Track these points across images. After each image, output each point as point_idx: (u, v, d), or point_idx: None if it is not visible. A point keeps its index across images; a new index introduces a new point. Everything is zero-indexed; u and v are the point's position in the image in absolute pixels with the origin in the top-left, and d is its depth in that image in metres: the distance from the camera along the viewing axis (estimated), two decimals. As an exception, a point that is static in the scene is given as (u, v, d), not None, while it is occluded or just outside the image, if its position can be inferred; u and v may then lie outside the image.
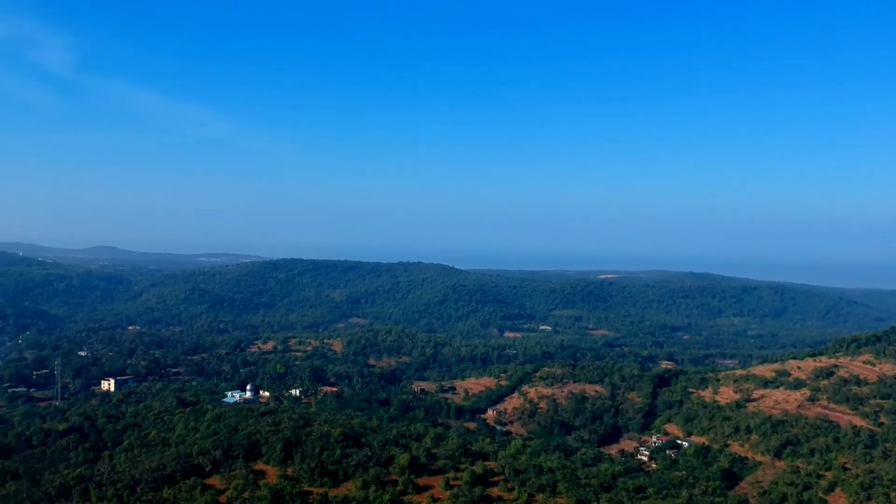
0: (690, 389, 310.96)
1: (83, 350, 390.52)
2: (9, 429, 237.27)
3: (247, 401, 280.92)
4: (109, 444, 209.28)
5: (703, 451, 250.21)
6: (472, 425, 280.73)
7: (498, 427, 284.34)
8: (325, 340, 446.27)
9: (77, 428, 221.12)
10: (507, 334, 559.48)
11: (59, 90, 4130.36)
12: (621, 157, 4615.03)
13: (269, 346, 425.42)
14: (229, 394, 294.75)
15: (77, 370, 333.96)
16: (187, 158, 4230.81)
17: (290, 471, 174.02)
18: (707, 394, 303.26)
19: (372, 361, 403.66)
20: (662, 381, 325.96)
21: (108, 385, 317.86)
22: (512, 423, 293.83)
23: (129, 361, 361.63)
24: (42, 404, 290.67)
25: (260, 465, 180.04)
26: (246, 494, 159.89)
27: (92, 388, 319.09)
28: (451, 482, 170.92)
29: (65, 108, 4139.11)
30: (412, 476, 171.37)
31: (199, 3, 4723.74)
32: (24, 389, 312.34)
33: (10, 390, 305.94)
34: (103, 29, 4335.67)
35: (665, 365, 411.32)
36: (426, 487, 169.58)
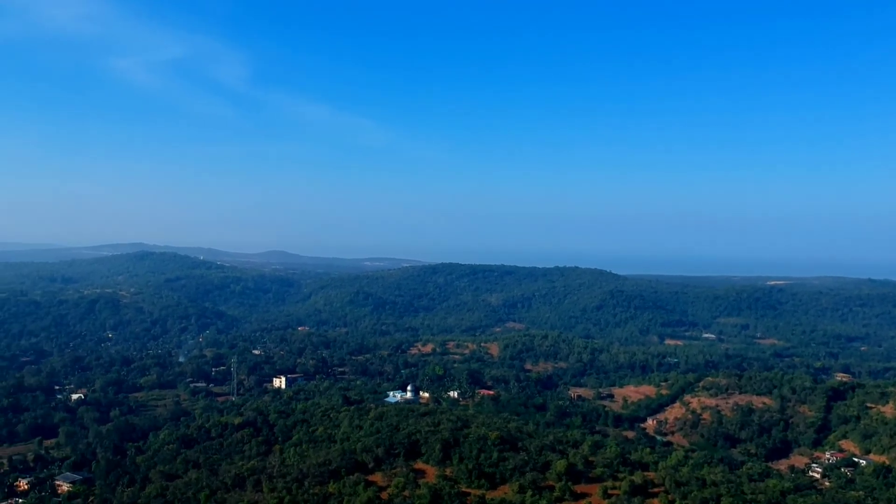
0: (869, 404, 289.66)
1: (257, 349, 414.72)
2: (191, 421, 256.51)
3: (407, 401, 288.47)
4: (280, 439, 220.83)
5: (883, 471, 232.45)
6: (630, 434, 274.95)
7: (658, 437, 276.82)
8: (482, 344, 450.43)
9: (251, 422, 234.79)
10: (668, 342, 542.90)
11: (236, 103, 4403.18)
12: (795, 158, 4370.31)
13: (429, 348, 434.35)
14: (391, 394, 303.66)
15: (251, 367, 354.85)
16: (353, 167, 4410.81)
17: (448, 471, 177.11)
18: (888, 409, 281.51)
19: (528, 366, 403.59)
20: (837, 394, 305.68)
21: (280, 382, 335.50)
22: (673, 433, 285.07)
23: (298, 360, 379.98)
24: (220, 399, 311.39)
25: (419, 465, 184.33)
26: (406, 493, 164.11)
27: (265, 384, 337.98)
28: (609, 491, 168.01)
29: (240, 120, 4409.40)
30: (569, 483, 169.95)
31: (361, 22, 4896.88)
32: (204, 384, 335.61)
33: (192, 385, 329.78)
34: (276, 46, 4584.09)
35: (840, 377, 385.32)
36: (583, 495, 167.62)
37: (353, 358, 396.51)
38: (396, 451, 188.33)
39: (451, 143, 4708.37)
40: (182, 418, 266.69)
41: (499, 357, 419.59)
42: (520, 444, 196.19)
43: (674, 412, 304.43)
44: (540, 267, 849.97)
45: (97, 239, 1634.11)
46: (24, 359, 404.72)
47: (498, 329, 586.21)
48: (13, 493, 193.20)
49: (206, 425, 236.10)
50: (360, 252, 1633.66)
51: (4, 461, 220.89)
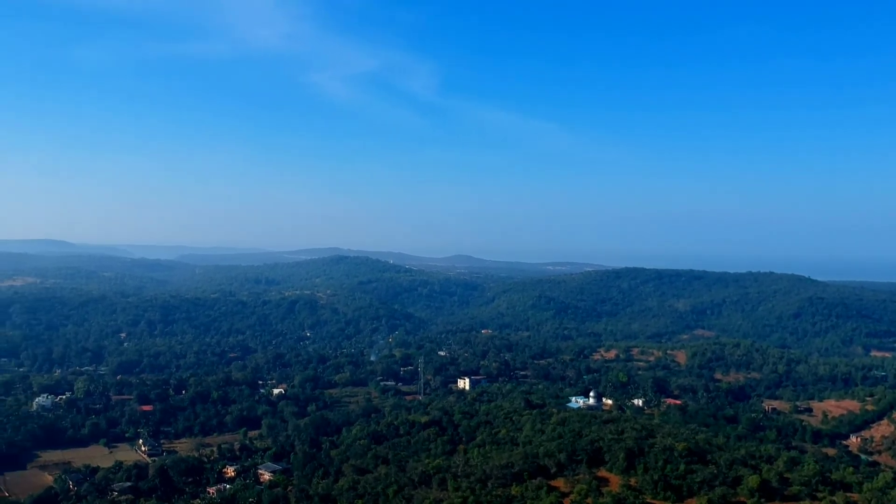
0: None
1: (442, 350, 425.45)
2: (381, 418, 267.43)
3: (590, 407, 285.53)
4: (464, 439, 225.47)
5: None
6: (831, 451, 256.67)
7: (862, 456, 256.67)
8: (668, 351, 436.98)
9: (436, 421, 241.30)
10: (874, 353, 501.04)
11: (424, 113, 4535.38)
12: None
13: (612, 354, 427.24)
14: (573, 399, 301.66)
15: (437, 368, 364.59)
16: (536, 171, 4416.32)
17: (632, 481, 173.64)
18: None
19: (718, 376, 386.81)
20: None
21: (464, 383, 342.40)
22: (880, 452, 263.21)
23: (482, 362, 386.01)
24: (408, 397, 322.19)
25: (602, 472, 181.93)
26: (589, 500, 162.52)
27: (449, 385, 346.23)
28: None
29: (428, 128, 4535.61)
30: (762, 500, 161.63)
31: (546, 24, 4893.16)
32: (392, 383, 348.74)
33: (382, 383, 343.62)
34: (462, 55, 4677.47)
35: None
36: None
37: (535, 362, 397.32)
38: (579, 458, 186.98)
39: (636, 145, 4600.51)
40: (372, 415, 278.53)
41: (686, 365, 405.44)
42: (708, 457, 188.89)
43: (881, 430, 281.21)
44: (731, 272, 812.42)
45: (297, 244, 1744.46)
46: (232, 355, 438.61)
47: (685, 336, 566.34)
48: (222, 478, 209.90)
49: (395, 423, 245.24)
50: (542, 256, 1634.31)
51: (214, 449, 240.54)
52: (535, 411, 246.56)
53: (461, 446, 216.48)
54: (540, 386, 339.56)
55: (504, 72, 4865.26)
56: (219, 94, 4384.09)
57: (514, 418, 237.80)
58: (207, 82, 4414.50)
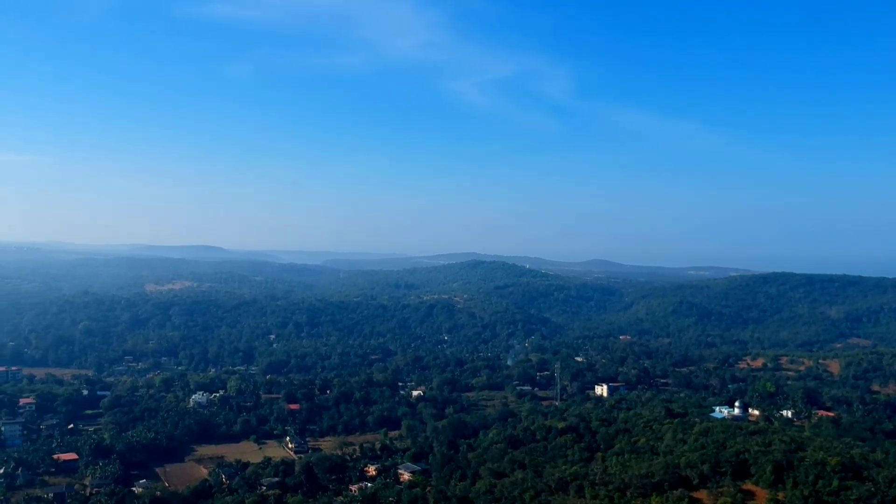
0: None
1: (579, 356, 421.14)
2: (517, 422, 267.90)
3: (735, 417, 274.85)
4: (602, 446, 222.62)
5: None
6: None
7: None
8: (820, 361, 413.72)
9: (573, 427, 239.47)
10: None
11: (560, 115, 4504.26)
12: None
13: (759, 362, 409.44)
14: (717, 408, 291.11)
15: (574, 374, 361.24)
16: (677, 173, 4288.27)
17: (780, 496, 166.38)
18: None
19: (875, 387, 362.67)
20: None
21: (601, 390, 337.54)
22: None
23: (620, 369, 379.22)
24: (544, 403, 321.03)
25: (748, 486, 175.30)
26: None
27: (586, 391, 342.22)
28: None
29: (564, 131, 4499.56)
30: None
31: (683, 20, 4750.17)
32: (529, 388, 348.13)
33: (518, 388, 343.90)
34: (598, 56, 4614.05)
35: None
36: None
37: (676, 370, 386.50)
38: (723, 470, 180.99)
39: (786, 147, 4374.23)
40: (509, 419, 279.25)
41: (839, 376, 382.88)
42: (865, 474, 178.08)
43: None
44: (890, 277, 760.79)
45: (435, 249, 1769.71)
46: (374, 357, 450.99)
47: (838, 345, 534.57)
48: (364, 477, 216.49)
49: (532, 427, 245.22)
50: (682, 261, 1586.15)
51: (357, 448, 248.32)
52: (676, 420, 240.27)
53: (599, 454, 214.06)
54: (681, 394, 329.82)
55: (641, 71, 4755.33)
56: (360, 105, 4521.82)
57: (654, 427, 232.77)
58: (349, 93, 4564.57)
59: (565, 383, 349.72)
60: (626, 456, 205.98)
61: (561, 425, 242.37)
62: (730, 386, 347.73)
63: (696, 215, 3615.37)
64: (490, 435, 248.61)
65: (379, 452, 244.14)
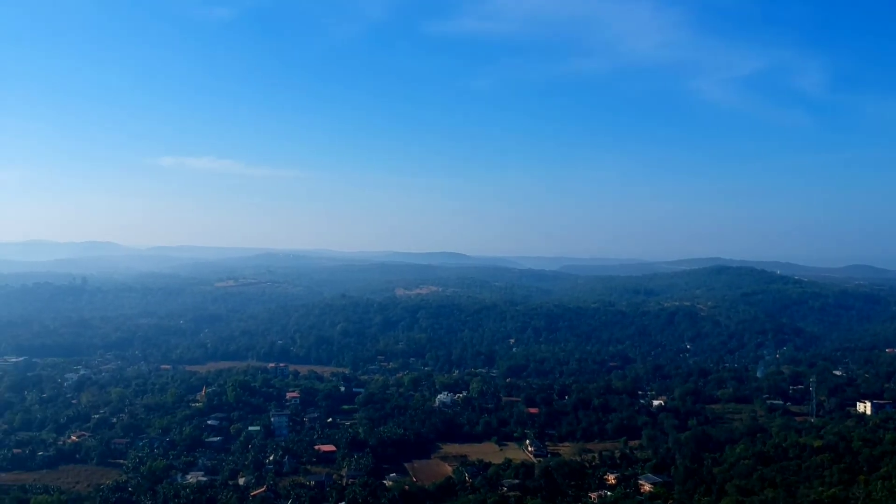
0: None
1: (837, 369, 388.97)
2: (767, 438, 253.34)
3: None
4: (865, 469, 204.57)
5: None
6: None
7: None
8: None
9: (831, 446, 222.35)
10: None
11: (813, 112, 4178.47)
12: None
13: None
14: None
15: (831, 389, 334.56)
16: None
17: None
18: None
19: None
20: None
21: (864, 407, 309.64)
22: None
23: (886, 385, 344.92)
24: (797, 418, 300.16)
25: None
26: None
27: (846, 408, 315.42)
28: None
29: (818, 128, 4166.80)
30: None
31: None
32: (780, 402, 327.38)
33: (768, 401, 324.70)
34: (859, 46, 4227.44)
35: None
36: None
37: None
38: None
39: None
40: (758, 434, 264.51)
41: None
42: None
43: None
44: None
45: (676, 254, 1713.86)
46: (612, 364, 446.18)
47: None
48: (603, 485, 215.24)
49: (784, 444, 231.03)
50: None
51: (596, 455, 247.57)
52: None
53: (861, 476, 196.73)
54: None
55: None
56: (600, 108, 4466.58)
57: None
58: (588, 97, 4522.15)
59: (822, 399, 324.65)
60: (893, 481, 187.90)
61: (817, 443, 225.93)
62: None
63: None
64: (737, 450, 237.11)
65: (618, 461, 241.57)
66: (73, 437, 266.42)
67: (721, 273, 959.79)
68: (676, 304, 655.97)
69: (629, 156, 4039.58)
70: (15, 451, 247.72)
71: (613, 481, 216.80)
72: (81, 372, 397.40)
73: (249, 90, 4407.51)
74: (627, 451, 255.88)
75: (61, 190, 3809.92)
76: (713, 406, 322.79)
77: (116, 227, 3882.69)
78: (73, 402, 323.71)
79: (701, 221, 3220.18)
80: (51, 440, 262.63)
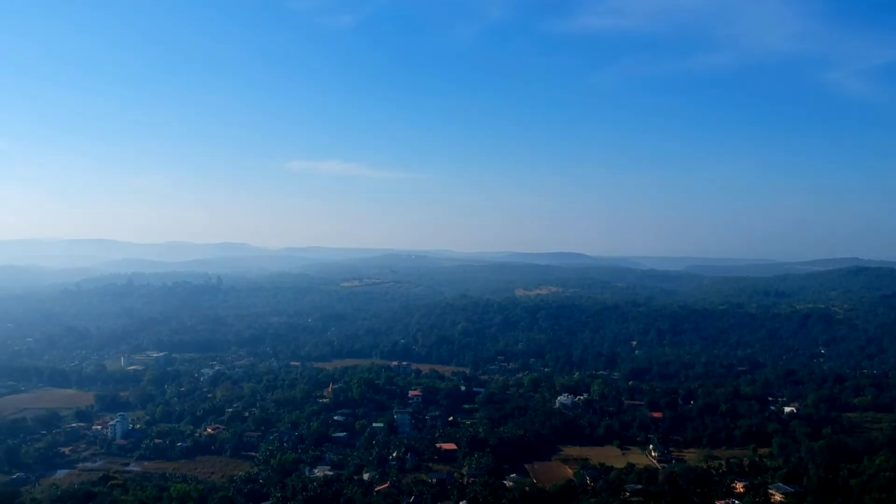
0: None
1: None
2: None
3: None
4: None
5: None
6: None
7: None
8: None
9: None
10: None
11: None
12: None
13: None
14: None
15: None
16: None
17: None
18: None
19: None
20: None
21: None
22: None
23: None
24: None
25: None
26: None
27: None
28: None
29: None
30: None
31: None
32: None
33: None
34: None
35: None
36: None
37: None
38: None
39: None
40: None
41: None
42: None
43: None
44: None
45: (810, 254, 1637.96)
46: (740, 368, 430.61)
47: None
48: (730, 493, 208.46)
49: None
50: None
51: (723, 462, 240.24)
52: None
53: None
54: None
55: None
56: (727, 104, 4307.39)
57: None
58: (715, 93, 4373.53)
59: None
60: None
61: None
62: None
63: None
64: (876, 461, 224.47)
65: (747, 469, 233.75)
66: (209, 430, 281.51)
67: (859, 274, 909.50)
68: (810, 306, 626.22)
69: (759, 152, 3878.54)
70: (156, 441, 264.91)
71: (742, 490, 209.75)
72: (216, 367, 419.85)
73: (373, 94, 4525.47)
74: (756, 458, 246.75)
75: (198, 194, 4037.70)
76: (850, 414, 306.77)
77: (249, 229, 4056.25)
78: (209, 395, 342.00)
79: (837, 220, 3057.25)
80: (188, 432, 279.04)
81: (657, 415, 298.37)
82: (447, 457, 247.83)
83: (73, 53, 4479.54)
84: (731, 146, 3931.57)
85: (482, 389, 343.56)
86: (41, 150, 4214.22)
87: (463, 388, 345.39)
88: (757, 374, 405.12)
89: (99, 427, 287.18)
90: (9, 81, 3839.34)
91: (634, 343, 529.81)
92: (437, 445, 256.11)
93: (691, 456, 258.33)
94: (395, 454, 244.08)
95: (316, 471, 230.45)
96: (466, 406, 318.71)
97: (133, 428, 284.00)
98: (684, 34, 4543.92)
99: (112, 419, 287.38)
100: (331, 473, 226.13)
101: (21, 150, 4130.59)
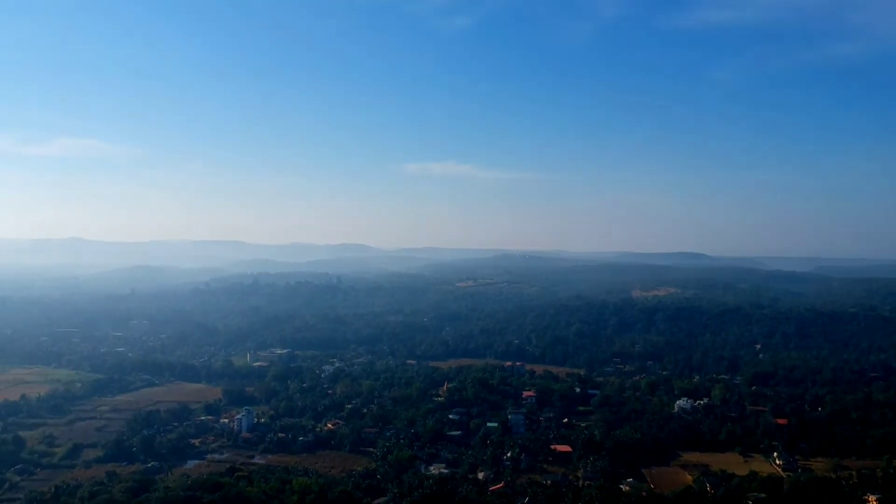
0: None
1: None
2: None
3: None
4: None
5: None
6: None
7: None
8: None
9: None
10: None
11: None
12: None
13: None
14: None
15: None
16: None
17: None
18: None
19: None
20: None
21: None
22: None
23: None
24: None
25: None
26: None
27: None
28: None
29: None
30: None
31: None
32: None
33: None
34: None
35: None
36: None
37: None
38: None
39: None
40: None
41: None
42: None
43: None
44: None
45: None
46: (872, 374, 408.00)
47: None
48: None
49: None
50: None
51: (853, 473, 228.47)
52: None
53: None
54: None
55: None
56: (853, 96, 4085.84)
57: None
58: (844, 84, 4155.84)
59: None
60: None
61: None
62: None
63: None
64: None
65: (880, 481, 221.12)
66: (329, 425, 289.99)
67: None
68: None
69: (892, 146, 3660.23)
70: (280, 435, 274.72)
71: (875, 503, 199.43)
72: (336, 364, 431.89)
73: (487, 96, 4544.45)
74: (891, 470, 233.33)
75: (320, 197, 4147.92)
76: None
77: (367, 230, 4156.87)
78: (329, 392, 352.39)
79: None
80: (310, 426, 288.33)
81: (782, 421, 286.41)
82: (562, 459, 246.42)
83: (203, 63, 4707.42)
84: (862, 141, 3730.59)
85: (597, 391, 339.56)
86: (174, 157, 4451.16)
87: (578, 389, 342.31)
88: (891, 381, 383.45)
89: (226, 420, 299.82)
90: (148, 91, 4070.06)
91: (758, 347, 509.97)
92: (552, 447, 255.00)
93: (818, 465, 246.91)
94: (509, 454, 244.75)
95: (431, 468, 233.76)
96: (581, 408, 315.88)
97: (258, 422, 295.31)
98: (810, 24, 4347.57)
99: (238, 413, 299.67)
100: (446, 471, 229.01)
101: (156, 156, 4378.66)
